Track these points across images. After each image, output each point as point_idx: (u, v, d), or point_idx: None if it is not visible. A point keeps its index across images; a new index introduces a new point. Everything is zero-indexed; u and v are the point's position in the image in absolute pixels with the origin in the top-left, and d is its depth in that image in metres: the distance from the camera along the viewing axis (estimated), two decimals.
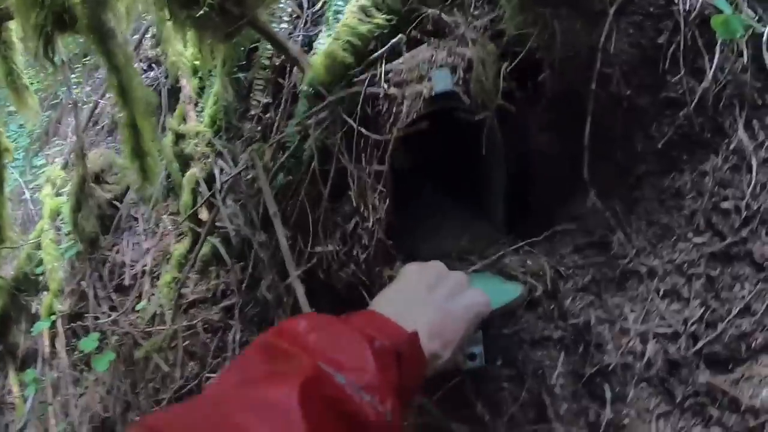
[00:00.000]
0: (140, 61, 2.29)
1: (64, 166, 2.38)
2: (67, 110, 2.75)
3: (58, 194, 2.22)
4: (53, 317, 1.99)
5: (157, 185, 1.41)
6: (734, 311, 1.07)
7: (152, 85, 2.10)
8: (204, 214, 1.52)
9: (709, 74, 1.16)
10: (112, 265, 1.84)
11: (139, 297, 1.73)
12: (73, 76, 2.84)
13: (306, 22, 1.47)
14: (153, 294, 1.66)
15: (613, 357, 1.07)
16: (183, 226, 1.63)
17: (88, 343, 1.71)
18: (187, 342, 1.48)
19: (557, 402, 1.07)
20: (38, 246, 2.10)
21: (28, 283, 2.13)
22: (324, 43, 1.28)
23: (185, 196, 1.59)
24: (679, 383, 1.06)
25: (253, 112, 1.51)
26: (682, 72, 1.17)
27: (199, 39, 1.42)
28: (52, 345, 2.01)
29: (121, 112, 1.18)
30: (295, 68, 1.38)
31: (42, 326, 1.99)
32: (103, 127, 2.19)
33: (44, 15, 1.44)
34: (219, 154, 1.50)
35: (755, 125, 1.18)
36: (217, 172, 1.44)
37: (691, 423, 1.06)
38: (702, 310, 1.08)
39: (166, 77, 1.98)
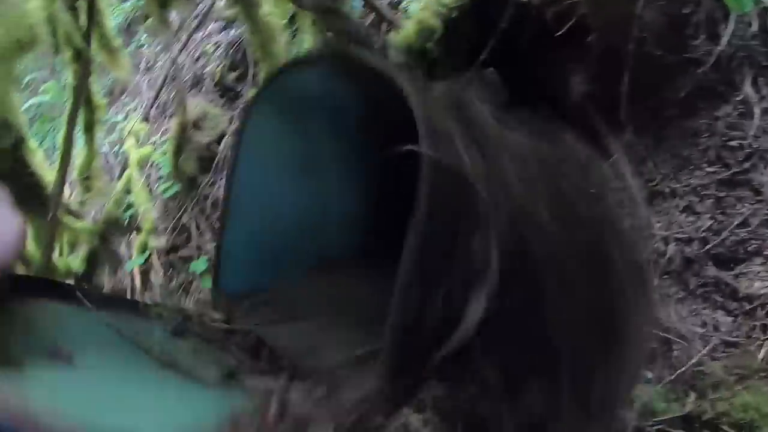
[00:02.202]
0: (216, 21, 2.74)
1: (145, 120, 2.84)
2: (133, 70, 3.21)
3: (142, 145, 2.70)
4: (147, 253, 2.46)
5: None
6: (735, 223, 1.53)
7: (236, 43, 2.56)
8: None
9: (724, 40, 1.62)
10: (214, 200, 2.31)
11: None
12: (143, 36, 3.30)
13: None
14: None
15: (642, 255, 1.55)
16: None
17: (198, 265, 2.18)
18: None
19: None
20: (127, 192, 2.57)
21: (117, 227, 2.59)
22: (413, 7, 1.72)
23: None
24: (693, 276, 1.53)
25: None
26: (702, 37, 1.64)
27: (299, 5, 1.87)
28: (143, 280, 2.49)
29: (262, 64, 1.63)
30: (383, 28, 1.83)
31: (137, 262, 2.46)
32: (185, 81, 2.65)
33: None
34: None
35: (760, 82, 1.64)
36: None
37: (701, 306, 1.54)
38: (711, 222, 1.55)
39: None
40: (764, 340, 1.48)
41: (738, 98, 1.63)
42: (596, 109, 1.68)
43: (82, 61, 2.38)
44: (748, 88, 1.62)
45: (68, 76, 2.43)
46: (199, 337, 0.70)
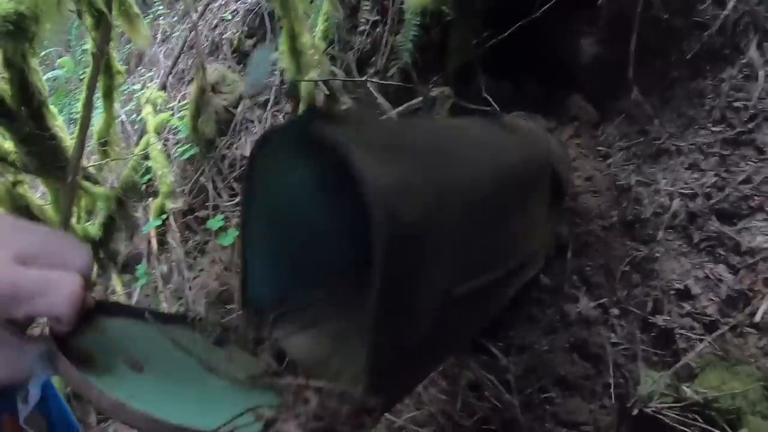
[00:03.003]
0: None
1: (162, 88, 2.92)
2: (150, 40, 3.28)
3: (159, 112, 2.77)
4: (164, 216, 2.54)
5: (309, 75, 1.93)
6: (739, 180, 1.60)
7: (253, 10, 2.64)
8: None
9: (731, 4, 1.69)
10: (231, 160, 2.38)
11: None
12: (160, 7, 3.38)
13: None
14: None
15: (648, 210, 1.63)
16: None
17: (215, 223, 2.26)
18: None
19: (609, 239, 1.63)
20: (144, 157, 2.65)
21: (134, 192, 2.67)
22: None
23: (304, 95, 2.13)
24: (697, 230, 1.60)
25: (362, 28, 2.04)
26: (709, 1, 1.70)
27: None
28: (160, 242, 2.57)
29: (282, 20, 1.70)
30: None
31: (153, 225, 2.54)
32: (204, 47, 2.72)
33: None
34: (333, 59, 2.04)
35: (765, 46, 1.71)
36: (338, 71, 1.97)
37: (705, 260, 1.61)
38: (715, 179, 1.62)
39: (267, 1, 2.52)
40: (766, 293, 1.54)
41: (743, 61, 1.69)
42: (605, 70, 1.75)
43: (103, 26, 2.46)
44: (753, 52, 1.69)
45: (89, 43, 2.52)
46: (235, 346, 0.84)
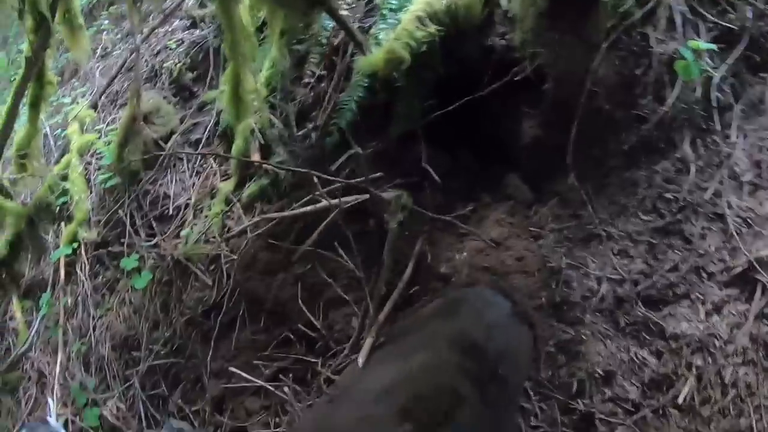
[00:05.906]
0: (182, 18, 2.79)
1: (93, 107, 2.83)
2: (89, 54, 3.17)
3: (86, 132, 2.67)
4: (75, 245, 2.43)
5: (247, 124, 1.92)
6: (666, 267, 1.70)
7: (199, 43, 2.62)
8: (256, 157, 2.04)
9: (669, 102, 1.82)
10: (154, 197, 2.31)
11: (181, 226, 2.21)
12: (105, 21, 3.30)
13: (361, 12, 2.03)
14: (195, 224, 2.14)
15: (576, 292, 1.69)
16: (229, 167, 2.15)
17: (129, 263, 2.16)
18: (227, 265, 1.98)
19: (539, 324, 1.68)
20: (63, 178, 2.54)
21: (47, 213, 2.55)
22: (383, 36, 1.85)
23: (238, 141, 2.11)
24: (623, 314, 1.69)
25: (306, 81, 2.06)
26: (650, 97, 1.83)
27: (272, 13, 1.93)
28: (68, 272, 2.44)
29: (229, 62, 1.69)
30: (350, 50, 1.93)
31: (62, 252, 2.42)
32: (143, 72, 2.65)
33: None
34: (273, 108, 2.04)
35: (698, 143, 1.84)
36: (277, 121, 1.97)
37: (630, 343, 1.68)
38: (643, 265, 1.72)
39: (215, 36, 2.52)
40: (689, 377, 1.61)
41: (677, 155, 1.82)
42: (544, 152, 1.84)
43: (42, 31, 2.34)
44: (686, 147, 1.82)
45: (24, 47, 2.41)
46: None
